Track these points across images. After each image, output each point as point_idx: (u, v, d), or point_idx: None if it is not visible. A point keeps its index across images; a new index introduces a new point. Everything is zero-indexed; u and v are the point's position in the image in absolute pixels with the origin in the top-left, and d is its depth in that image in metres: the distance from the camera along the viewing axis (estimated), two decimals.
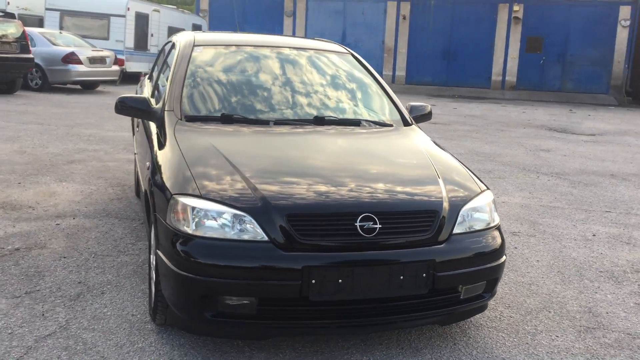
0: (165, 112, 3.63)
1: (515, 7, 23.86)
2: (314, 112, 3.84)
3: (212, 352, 2.96)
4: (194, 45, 4.14)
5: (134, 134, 6.05)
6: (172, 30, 20.30)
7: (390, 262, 2.74)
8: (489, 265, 2.96)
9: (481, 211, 3.05)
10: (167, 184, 2.94)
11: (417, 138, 3.75)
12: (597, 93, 23.39)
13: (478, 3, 24.40)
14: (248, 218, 2.70)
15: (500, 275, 3.09)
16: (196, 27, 23.80)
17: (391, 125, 3.91)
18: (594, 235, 5.32)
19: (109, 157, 7.65)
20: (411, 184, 3.08)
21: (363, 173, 3.16)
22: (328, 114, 3.85)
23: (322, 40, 4.84)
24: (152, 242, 3.10)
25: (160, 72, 4.61)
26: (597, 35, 23.41)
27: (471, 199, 3.05)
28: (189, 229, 2.73)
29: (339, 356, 2.98)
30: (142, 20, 20.96)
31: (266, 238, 2.67)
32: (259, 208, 2.73)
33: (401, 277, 2.75)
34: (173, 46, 4.57)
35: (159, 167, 3.19)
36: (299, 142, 3.50)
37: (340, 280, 2.67)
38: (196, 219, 2.73)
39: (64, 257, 4.17)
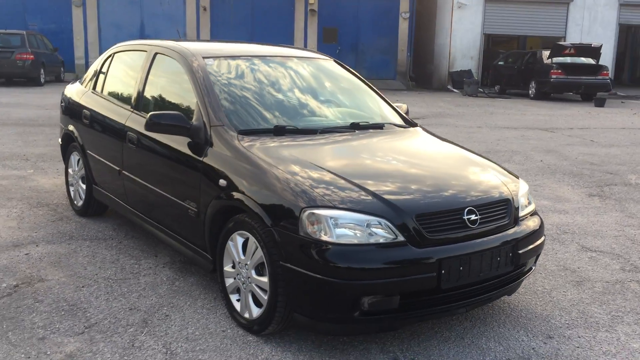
0: (213, 128, 3.65)
1: (311, 0, 25.19)
2: (346, 118, 4.14)
3: (323, 346, 3.19)
4: (204, 57, 4.14)
5: (65, 154, 5.66)
6: None
7: (491, 248, 3.23)
8: (541, 241, 3.60)
9: (526, 197, 3.67)
10: (289, 198, 3.07)
11: (438, 138, 4.26)
12: (387, 79, 25.79)
13: None
14: (384, 222, 2.99)
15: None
16: None
17: (406, 127, 4.36)
18: None
19: None
20: (485, 179, 3.59)
21: (445, 173, 3.58)
22: (357, 119, 4.16)
23: (301, 49, 5.08)
24: (260, 255, 3.19)
25: (145, 82, 4.47)
26: (384, 26, 25.77)
27: (519, 187, 3.65)
28: (332, 238, 2.93)
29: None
30: None
31: (402, 238, 2.99)
32: (391, 212, 3.03)
33: (498, 259, 3.26)
34: (155, 56, 4.47)
35: (249, 183, 3.27)
36: (366, 149, 3.79)
37: (461, 268, 3.10)
38: (337, 228, 2.94)
39: (83, 287, 3.94)
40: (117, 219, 5.37)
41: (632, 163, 8.88)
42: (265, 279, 3.19)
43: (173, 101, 4.28)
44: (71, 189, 5.58)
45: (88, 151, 5.09)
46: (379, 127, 4.19)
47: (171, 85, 4.39)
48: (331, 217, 2.97)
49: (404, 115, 4.57)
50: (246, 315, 3.37)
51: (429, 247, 3.04)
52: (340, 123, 4.10)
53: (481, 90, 22.12)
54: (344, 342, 3.31)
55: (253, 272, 3.28)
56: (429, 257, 3.02)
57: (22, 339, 3.26)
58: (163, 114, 3.76)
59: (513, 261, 3.35)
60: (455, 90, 23.43)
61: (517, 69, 21.77)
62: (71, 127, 5.40)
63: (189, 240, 3.87)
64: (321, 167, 3.32)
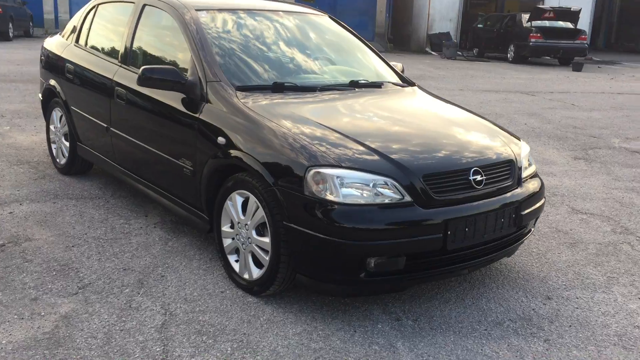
0: (209, 84, 3.52)
1: None
2: (344, 76, 4.04)
3: (325, 307, 3.16)
4: (197, 10, 3.97)
5: (46, 110, 5.45)
6: None
7: (495, 209, 3.19)
8: (542, 203, 3.57)
9: (527, 158, 3.63)
10: (293, 157, 2.98)
11: (438, 98, 4.19)
12: (365, 40, 25.47)
13: None
14: (390, 182, 2.92)
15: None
16: None
17: (405, 85, 4.27)
18: None
19: None
20: (488, 139, 3.53)
21: (450, 133, 3.50)
22: (354, 78, 4.05)
23: (292, 3, 4.91)
24: (261, 215, 3.10)
25: (134, 35, 4.28)
26: None
27: (521, 148, 3.60)
28: (338, 198, 2.86)
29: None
30: None
31: (409, 199, 2.93)
32: (399, 172, 2.96)
33: (502, 220, 3.22)
34: (143, 7, 4.29)
35: (250, 141, 3.16)
36: (368, 108, 3.69)
37: (467, 229, 3.06)
38: (343, 188, 2.87)
39: (73, 246, 3.82)
40: (102, 177, 5.22)
41: (614, 127, 8.94)
42: (266, 240, 3.11)
43: (164, 56, 4.11)
44: (53, 146, 5.39)
45: (72, 107, 4.90)
46: (377, 85, 4.09)
47: (161, 39, 4.22)
48: (337, 177, 2.89)
49: (401, 74, 4.48)
50: (246, 276, 3.30)
51: (435, 208, 2.99)
52: (339, 81, 3.99)
53: (460, 53, 22.03)
54: (346, 303, 3.27)
55: (253, 232, 3.20)
56: (435, 218, 2.97)
57: (14, 300, 3.15)
58: (157, 69, 3.61)
59: (516, 222, 3.32)
60: (433, 52, 23.30)
61: (496, 32, 21.69)
62: (53, 82, 5.18)
63: (184, 200, 3.76)
64: (325, 126, 3.23)
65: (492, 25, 22.45)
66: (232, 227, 3.38)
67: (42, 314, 3.03)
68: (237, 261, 3.39)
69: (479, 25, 23.47)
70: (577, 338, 3.07)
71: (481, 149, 3.37)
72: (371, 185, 2.91)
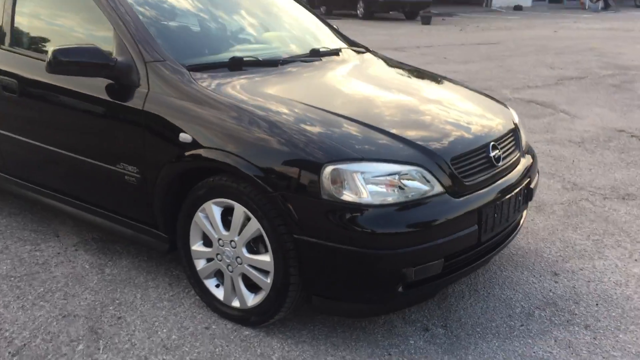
0: (149, 65, 2.74)
1: None
2: (298, 46, 3.40)
3: (339, 328, 2.62)
4: None
5: None
6: None
7: (515, 186, 2.79)
8: (538, 168, 3.25)
9: (520, 125, 3.28)
10: (299, 153, 2.35)
11: (403, 63, 3.72)
12: None
13: None
14: (419, 172, 2.40)
15: None
16: None
17: (363, 51, 3.72)
18: None
19: None
20: (488, 109, 3.10)
21: (451, 105, 3.01)
22: (308, 46, 3.42)
23: None
24: (255, 229, 2.46)
25: (14, 8, 3.31)
26: None
27: (513, 115, 3.24)
28: (365, 199, 2.29)
29: None
30: None
31: (442, 189, 2.44)
32: (426, 158, 2.44)
33: (519, 198, 2.85)
34: None
35: (232, 137, 2.47)
36: (349, 80, 3.11)
37: (495, 215, 2.64)
38: (369, 185, 2.31)
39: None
40: None
41: (497, 78, 9.05)
42: (265, 258, 2.47)
43: (66, 32, 3.19)
44: None
45: None
46: (336, 53, 3.50)
47: (58, 9, 3.28)
48: (362, 172, 2.31)
49: (349, 39, 3.92)
50: (236, 304, 2.65)
51: (466, 196, 2.52)
52: (299, 51, 3.34)
53: None
54: (361, 320, 2.74)
55: (244, 250, 2.53)
56: (469, 208, 2.50)
57: None
58: (73, 49, 2.73)
59: (527, 198, 2.97)
60: None
61: None
62: None
63: (125, 216, 2.97)
64: (323, 109, 2.61)
65: None
66: (206, 244, 2.68)
67: None
68: (218, 286, 2.72)
69: None
70: (612, 318, 2.81)
71: (489, 120, 2.95)
72: (398, 178, 2.37)
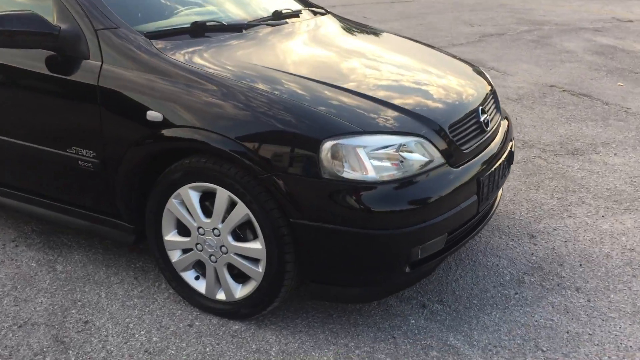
0: (101, 33, 2.38)
1: None
2: (255, 8, 3.09)
3: (334, 314, 2.45)
4: None
5: None
6: None
7: (502, 151, 2.68)
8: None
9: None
10: (293, 129, 2.10)
11: (366, 25, 3.52)
12: None
13: None
14: (420, 142, 2.22)
15: None
16: None
17: (324, 12, 3.46)
18: None
19: None
20: (465, 71, 2.96)
21: (434, 69, 2.82)
22: (269, 6, 3.13)
23: None
24: (244, 214, 2.22)
25: None
26: None
27: (488, 78, 3.12)
28: (370, 176, 2.09)
29: None
30: None
31: (442, 160, 2.27)
32: (426, 128, 2.26)
33: (505, 163, 2.74)
34: None
35: (211, 112, 2.19)
36: (328, 45, 2.86)
37: (490, 182, 2.52)
38: (372, 160, 2.11)
39: None
40: None
41: (421, 37, 8.97)
42: (256, 245, 2.23)
43: None
44: None
45: None
46: (296, 15, 3.22)
47: None
48: (364, 146, 2.10)
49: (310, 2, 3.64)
50: (220, 296, 2.40)
51: (464, 164, 2.37)
52: (260, 14, 3.04)
53: None
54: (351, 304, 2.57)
55: (229, 237, 2.28)
56: (468, 177, 2.36)
57: None
58: (7, 16, 2.32)
59: (509, 162, 2.87)
60: None
61: None
62: None
63: (78, 206, 2.62)
64: (310, 79, 2.36)
65: None
66: (182, 234, 2.40)
67: None
68: (197, 279, 2.45)
69: None
70: (599, 279, 2.80)
71: (471, 83, 2.80)
72: (400, 150, 2.18)
